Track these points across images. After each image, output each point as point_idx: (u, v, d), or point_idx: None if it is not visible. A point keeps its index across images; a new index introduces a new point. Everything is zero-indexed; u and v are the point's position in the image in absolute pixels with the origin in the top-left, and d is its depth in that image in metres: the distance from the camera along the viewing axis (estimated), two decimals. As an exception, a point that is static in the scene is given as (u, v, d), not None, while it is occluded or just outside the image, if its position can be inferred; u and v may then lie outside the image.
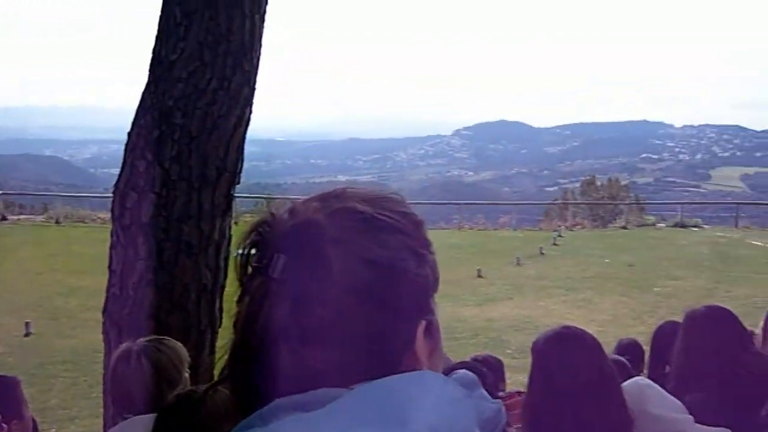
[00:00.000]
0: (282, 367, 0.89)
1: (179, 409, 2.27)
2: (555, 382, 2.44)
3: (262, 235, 0.94)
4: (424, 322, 0.96)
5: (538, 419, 2.46)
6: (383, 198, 1.00)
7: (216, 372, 1.00)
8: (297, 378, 0.88)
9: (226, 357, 0.96)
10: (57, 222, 25.83)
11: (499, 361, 5.12)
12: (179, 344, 2.95)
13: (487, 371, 4.03)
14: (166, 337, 2.98)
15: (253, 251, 0.95)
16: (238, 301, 0.95)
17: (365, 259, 0.91)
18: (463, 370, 0.95)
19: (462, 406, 0.86)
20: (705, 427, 2.62)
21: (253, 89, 4.49)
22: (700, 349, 3.14)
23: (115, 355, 2.81)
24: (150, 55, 4.42)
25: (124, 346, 2.86)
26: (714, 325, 3.22)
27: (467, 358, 4.98)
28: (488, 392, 3.00)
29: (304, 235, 0.92)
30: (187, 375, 2.91)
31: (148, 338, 2.94)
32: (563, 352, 2.50)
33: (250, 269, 0.94)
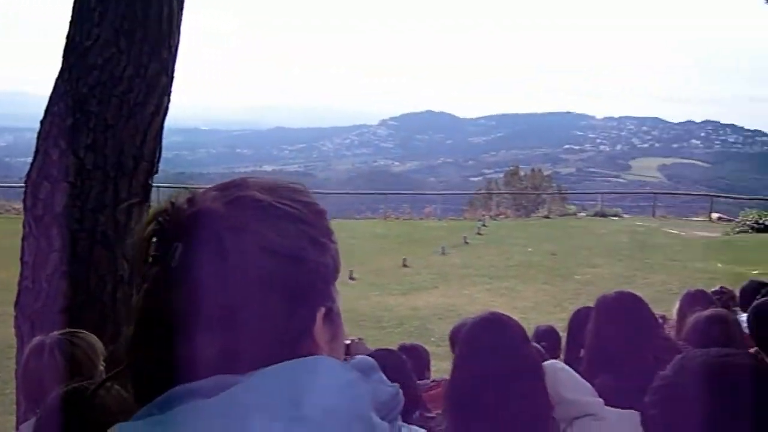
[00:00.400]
0: (180, 355, 0.88)
1: (65, 406, 2.20)
2: (479, 366, 2.45)
3: (162, 224, 0.94)
4: (323, 309, 0.97)
5: (461, 404, 2.46)
6: (284, 187, 1.00)
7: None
8: (196, 366, 0.88)
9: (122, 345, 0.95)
10: (-30, 213, 24.96)
11: (425, 349, 5.17)
12: (94, 337, 2.88)
13: (410, 359, 4.06)
14: (80, 330, 2.91)
15: (151, 240, 0.94)
16: (137, 291, 0.94)
17: (263, 247, 0.92)
18: (362, 356, 0.95)
19: (356, 389, 0.87)
20: (614, 409, 2.68)
21: (172, 77, 4.41)
22: (611, 334, 3.22)
23: (28, 349, 2.73)
24: (64, 41, 4.31)
25: (36, 339, 2.79)
26: (624, 311, 3.32)
27: (394, 347, 5.02)
28: (414, 380, 2.99)
29: (202, 223, 0.91)
30: (102, 368, 2.84)
31: (61, 331, 2.87)
32: (488, 337, 2.51)
33: (149, 259, 0.94)
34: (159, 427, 0.85)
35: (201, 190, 0.98)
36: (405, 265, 18.33)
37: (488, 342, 2.49)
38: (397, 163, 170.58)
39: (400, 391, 0.95)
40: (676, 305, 5.19)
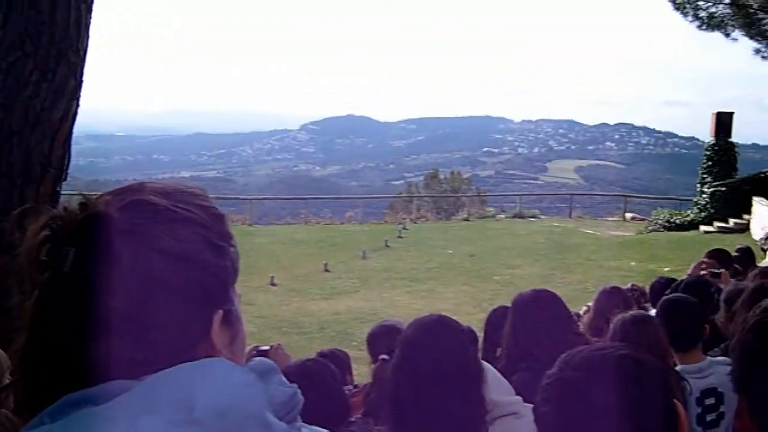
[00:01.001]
0: (75, 363, 0.87)
1: None
2: (424, 366, 2.44)
3: (53, 230, 0.92)
4: (221, 312, 0.97)
5: (400, 405, 2.44)
6: (181, 191, 1.00)
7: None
8: (91, 372, 0.87)
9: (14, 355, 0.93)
10: None
11: (346, 354, 5.17)
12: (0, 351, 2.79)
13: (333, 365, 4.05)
14: None
15: (43, 246, 0.92)
16: (28, 299, 0.93)
17: (157, 249, 0.91)
18: (260, 358, 0.95)
19: (249, 390, 0.87)
20: (532, 405, 2.72)
21: (81, 82, 4.29)
22: (528, 331, 3.28)
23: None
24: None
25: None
26: (540, 307, 3.39)
27: (313, 354, 4.99)
28: (339, 385, 2.96)
29: (95, 227, 0.91)
30: (7, 381, 2.75)
31: None
32: (436, 338, 2.50)
33: (41, 264, 0.92)
34: None
35: (96, 195, 0.97)
36: (326, 270, 18.32)
37: (436, 343, 2.48)
38: (318, 168, 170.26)
39: (299, 391, 0.95)
40: (591, 301, 5.34)
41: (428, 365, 2.41)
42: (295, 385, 0.95)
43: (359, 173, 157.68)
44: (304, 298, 15.40)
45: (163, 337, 0.91)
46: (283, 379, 0.95)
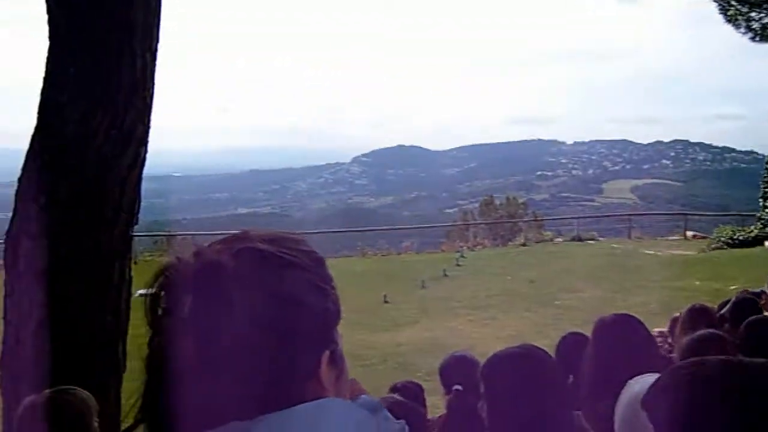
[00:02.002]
0: (193, 403, 0.92)
1: None
2: (518, 409, 2.46)
3: (169, 278, 0.98)
4: (327, 352, 1.01)
5: None
6: (284, 237, 1.05)
7: (128, 415, 1.01)
8: (208, 412, 0.92)
9: (137, 400, 0.98)
10: (-56, 272, 24.55)
11: (419, 386, 5.15)
12: (87, 393, 2.87)
13: (406, 398, 4.06)
14: (72, 387, 2.89)
15: (161, 293, 0.98)
16: (149, 343, 0.99)
17: (267, 293, 0.96)
18: (364, 396, 0.99)
19: (366, 428, 0.91)
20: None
21: (148, 127, 4.43)
22: (611, 356, 3.25)
23: (21, 408, 2.71)
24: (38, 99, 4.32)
25: (30, 398, 2.77)
26: (623, 332, 3.35)
27: (386, 387, 5.00)
28: (419, 418, 2.99)
29: (209, 274, 0.95)
30: (96, 425, 2.83)
31: (54, 389, 2.85)
32: (524, 375, 2.53)
33: (159, 311, 0.98)
34: None
35: (206, 244, 1.02)
36: (386, 301, 18.29)
37: (526, 381, 2.51)
38: (371, 199, 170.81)
39: (406, 426, 0.98)
40: (679, 321, 5.22)
41: (522, 405, 2.42)
42: (402, 421, 0.98)
43: (412, 203, 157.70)
44: (366, 329, 15.37)
45: (274, 377, 0.95)
46: (389, 414, 0.98)
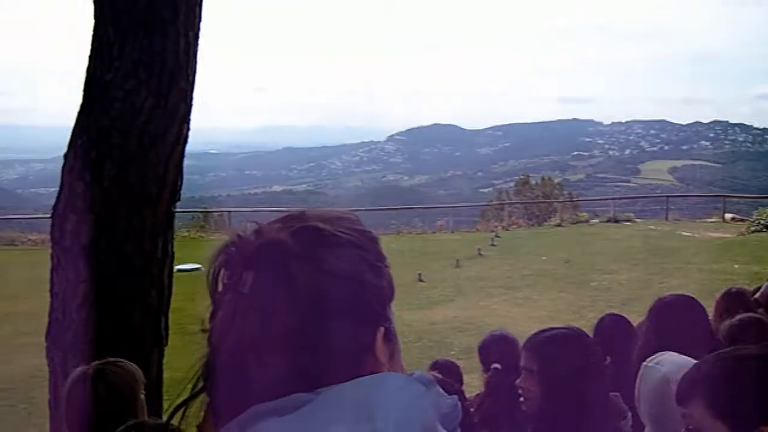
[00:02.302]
0: (254, 375, 0.96)
1: None
2: (556, 376, 2.52)
3: (230, 255, 1.00)
4: (382, 329, 1.04)
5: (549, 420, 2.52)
6: (339, 217, 1.08)
7: (186, 387, 1.04)
8: (269, 385, 0.95)
9: (197, 372, 1.02)
10: (-14, 246, 25.03)
11: (456, 365, 5.19)
12: (135, 366, 2.94)
13: (446, 376, 4.09)
14: (121, 360, 2.97)
15: (222, 270, 1.00)
16: (211, 318, 1.01)
17: (326, 271, 0.99)
18: (419, 371, 1.02)
19: (423, 401, 0.94)
20: None
21: (190, 106, 4.49)
22: (671, 336, 3.24)
23: (71, 379, 2.79)
24: (84, 76, 4.39)
25: (79, 369, 2.85)
26: (684, 313, 3.34)
27: (426, 365, 5.04)
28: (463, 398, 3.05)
29: (271, 252, 0.98)
30: (143, 397, 2.91)
31: (102, 361, 2.92)
32: (577, 356, 2.57)
33: (220, 287, 1.01)
34: None
35: (265, 223, 1.05)
36: (420, 280, 18.34)
37: (581, 362, 2.55)
38: (406, 178, 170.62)
39: (459, 402, 1.01)
40: (714, 305, 5.17)
41: (565, 378, 2.46)
42: (455, 396, 1.01)
43: (447, 182, 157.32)
44: (401, 308, 15.41)
45: (332, 352, 0.97)
46: (441, 390, 1.01)
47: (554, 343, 2.64)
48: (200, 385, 1.01)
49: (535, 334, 2.77)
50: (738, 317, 3.95)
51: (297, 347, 0.96)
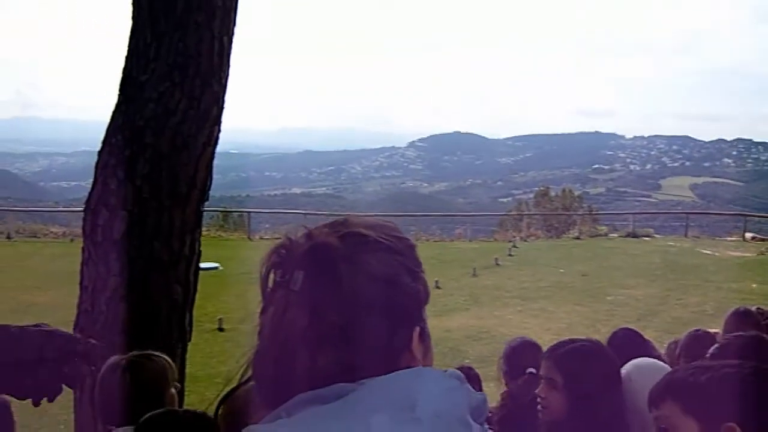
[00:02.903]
0: (300, 367, 1.04)
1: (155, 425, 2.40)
2: (582, 390, 2.60)
3: (282, 256, 1.09)
4: (418, 328, 1.13)
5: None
6: (381, 225, 1.17)
7: (234, 377, 1.15)
8: (313, 376, 1.03)
9: (246, 362, 1.11)
10: (8, 237, 25.28)
11: (475, 372, 5.22)
12: (168, 359, 3.02)
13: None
14: (155, 353, 3.05)
15: (274, 269, 1.09)
16: (262, 313, 1.10)
17: (369, 273, 1.07)
18: (450, 369, 1.10)
19: (457, 395, 1.03)
20: None
21: (222, 108, 4.58)
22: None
23: (105, 367, 2.87)
24: (120, 75, 4.50)
25: (114, 359, 2.93)
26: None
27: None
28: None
29: (320, 254, 1.07)
30: (173, 391, 2.99)
31: (137, 353, 3.01)
32: (597, 367, 2.64)
33: (271, 284, 1.10)
34: (286, 429, 1.00)
35: (313, 227, 1.14)
36: (437, 287, 18.35)
37: (607, 377, 2.64)
38: (425, 185, 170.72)
39: (487, 398, 1.10)
40: (723, 324, 5.19)
41: (585, 386, 2.54)
42: (484, 393, 1.10)
43: (467, 190, 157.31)
44: (416, 314, 15.49)
45: (374, 348, 1.06)
46: (469, 387, 1.09)
47: (580, 358, 2.70)
48: (248, 374, 1.10)
49: (558, 345, 2.82)
50: (739, 334, 3.98)
51: (341, 342, 1.04)
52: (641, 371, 2.86)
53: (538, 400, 2.77)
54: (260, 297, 1.12)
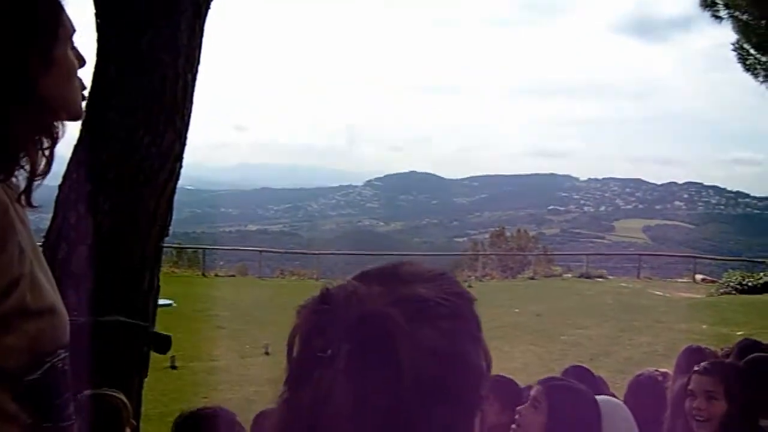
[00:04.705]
0: None
1: None
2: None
3: (323, 321, 0.92)
4: (480, 414, 0.97)
5: None
6: (439, 278, 1.00)
7: None
8: None
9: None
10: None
11: None
12: (122, 398, 3.02)
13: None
14: (109, 391, 3.04)
15: (311, 336, 0.93)
16: (290, 383, 0.95)
17: (430, 349, 0.90)
18: None
19: None
20: None
21: (184, 145, 4.61)
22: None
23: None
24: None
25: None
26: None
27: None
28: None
29: (372, 326, 0.89)
30: (128, 430, 3.00)
31: (91, 392, 3.00)
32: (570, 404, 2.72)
33: (308, 354, 0.93)
34: None
35: (357, 284, 0.96)
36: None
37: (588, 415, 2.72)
38: (381, 224, 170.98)
39: None
40: (675, 362, 5.30)
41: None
42: None
43: (423, 230, 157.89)
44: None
45: None
46: None
47: (566, 395, 2.78)
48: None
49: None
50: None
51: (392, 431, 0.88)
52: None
53: (516, 417, 2.84)
54: (287, 363, 0.96)
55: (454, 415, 0.92)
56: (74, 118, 1.70)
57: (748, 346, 5.71)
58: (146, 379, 4.90)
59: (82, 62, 1.69)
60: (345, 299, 0.92)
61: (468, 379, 0.94)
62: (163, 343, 2.04)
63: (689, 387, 3.61)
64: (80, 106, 1.71)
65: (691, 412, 3.50)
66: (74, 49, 1.66)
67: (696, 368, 3.60)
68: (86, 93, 1.74)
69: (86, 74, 4.50)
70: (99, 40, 4.52)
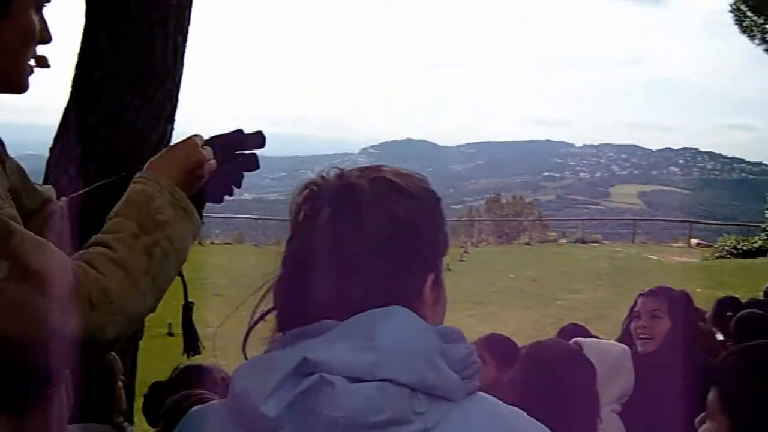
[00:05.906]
0: (315, 297, 1.11)
1: None
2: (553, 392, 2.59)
3: (312, 191, 1.17)
4: (433, 276, 1.17)
5: None
6: (411, 175, 1.22)
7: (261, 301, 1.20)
8: (326, 307, 1.10)
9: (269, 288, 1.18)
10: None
11: None
12: (115, 356, 3.02)
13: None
14: None
15: (303, 204, 1.17)
16: (288, 242, 1.18)
17: (391, 214, 1.13)
18: (452, 327, 1.12)
19: (423, 335, 1.06)
20: None
21: (175, 106, 4.58)
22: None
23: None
24: (73, 72, 4.46)
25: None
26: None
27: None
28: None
29: (347, 192, 1.14)
30: (120, 386, 3.01)
31: None
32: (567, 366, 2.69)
33: (301, 217, 1.16)
34: (267, 361, 1.09)
35: (346, 170, 1.20)
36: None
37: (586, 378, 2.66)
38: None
39: (475, 353, 1.12)
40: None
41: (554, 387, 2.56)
42: (473, 346, 1.14)
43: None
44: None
45: (385, 285, 1.11)
46: (466, 344, 1.11)
47: (566, 357, 2.73)
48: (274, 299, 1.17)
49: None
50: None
51: (356, 278, 1.10)
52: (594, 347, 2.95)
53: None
54: (289, 227, 1.18)
55: (405, 270, 1.13)
56: (13, 90, 1.49)
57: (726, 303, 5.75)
58: (144, 346, 4.91)
59: (46, 36, 1.48)
60: (332, 177, 1.17)
61: (421, 243, 1.15)
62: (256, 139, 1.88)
63: (635, 309, 3.64)
64: (25, 79, 1.48)
65: (636, 331, 3.53)
66: (42, 18, 1.47)
67: (641, 292, 3.64)
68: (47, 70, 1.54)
69: (71, 36, 4.47)
70: (87, 2, 4.47)
